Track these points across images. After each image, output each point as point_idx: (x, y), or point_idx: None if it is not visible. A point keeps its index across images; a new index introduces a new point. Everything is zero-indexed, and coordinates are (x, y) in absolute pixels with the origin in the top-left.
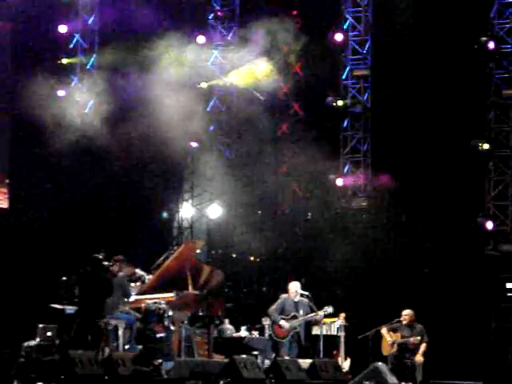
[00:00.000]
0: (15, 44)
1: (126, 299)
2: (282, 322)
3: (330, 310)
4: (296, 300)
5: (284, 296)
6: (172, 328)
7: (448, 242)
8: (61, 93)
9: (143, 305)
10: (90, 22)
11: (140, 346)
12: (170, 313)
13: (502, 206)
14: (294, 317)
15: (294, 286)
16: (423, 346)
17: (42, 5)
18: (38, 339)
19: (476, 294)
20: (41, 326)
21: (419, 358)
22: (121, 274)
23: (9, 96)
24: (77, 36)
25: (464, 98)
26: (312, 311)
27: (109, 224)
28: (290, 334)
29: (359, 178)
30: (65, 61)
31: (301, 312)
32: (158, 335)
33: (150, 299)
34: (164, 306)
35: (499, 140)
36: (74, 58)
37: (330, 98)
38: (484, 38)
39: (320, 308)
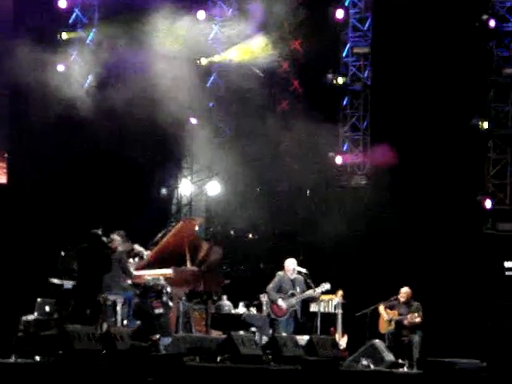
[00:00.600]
0: (16, 19)
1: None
2: (280, 302)
3: (327, 286)
4: (293, 277)
5: (280, 273)
6: (170, 304)
7: (447, 220)
8: (60, 67)
9: (142, 280)
10: None
11: (138, 322)
12: (169, 289)
13: (501, 184)
14: (292, 294)
15: (291, 263)
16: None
17: None
18: (36, 313)
19: (474, 272)
20: (39, 300)
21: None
22: (119, 249)
23: (8, 71)
24: (76, 10)
25: (464, 77)
26: (309, 288)
27: (108, 200)
28: (289, 312)
29: (358, 156)
30: (64, 35)
31: (298, 289)
32: (157, 311)
33: (149, 275)
34: (163, 282)
35: (499, 119)
36: (73, 33)
37: (329, 76)
38: (485, 16)
39: (317, 285)
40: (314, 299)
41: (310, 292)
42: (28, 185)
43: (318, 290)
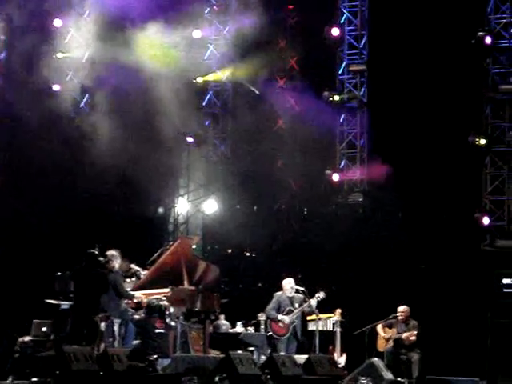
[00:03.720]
0: (11, 39)
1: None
2: (281, 317)
3: (321, 295)
4: (290, 296)
5: (278, 294)
6: (172, 324)
7: (444, 237)
8: (56, 87)
9: (144, 300)
10: (85, 15)
11: (135, 342)
12: (172, 309)
13: (498, 201)
14: (290, 311)
15: (288, 283)
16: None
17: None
18: (32, 334)
19: (472, 289)
20: (36, 321)
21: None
22: (116, 268)
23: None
24: (72, 30)
25: (461, 93)
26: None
27: (104, 219)
28: (290, 330)
29: (355, 173)
30: (60, 55)
31: (296, 306)
32: (158, 331)
33: (146, 295)
34: (166, 302)
35: (496, 135)
36: (68, 53)
37: (326, 93)
38: (481, 33)
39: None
40: (311, 311)
41: (306, 304)
42: (25, 206)
43: (314, 300)
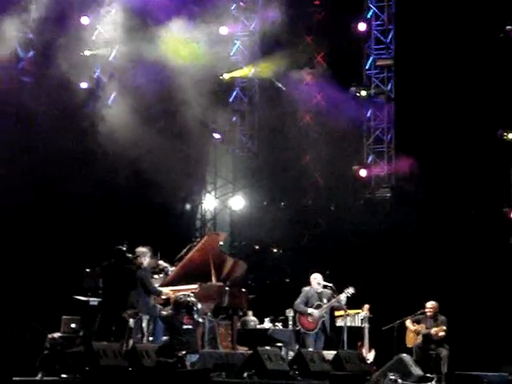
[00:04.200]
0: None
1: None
2: (311, 310)
3: (350, 290)
4: (319, 291)
5: (306, 289)
6: (200, 321)
7: (473, 232)
8: (83, 85)
9: (172, 296)
10: (112, 13)
11: (164, 338)
12: (199, 306)
13: None
14: (319, 306)
15: (316, 278)
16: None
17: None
18: (62, 331)
19: (501, 284)
20: (65, 317)
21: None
22: (145, 264)
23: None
24: (99, 27)
25: (490, 88)
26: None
27: (133, 216)
28: (319, 324)
29: (383, 169)
30: (87, 53)
31: (324, 301)
32: (186, 327)
33: (173, 291)
34: (193, 298)
35: None
36: (96, 50)
37: (353, 89)
38: (509, 27)
39: (341, 292)
40: (340, 306)
41: (335, 299)
42: (56, 200)
43: (343, 295)
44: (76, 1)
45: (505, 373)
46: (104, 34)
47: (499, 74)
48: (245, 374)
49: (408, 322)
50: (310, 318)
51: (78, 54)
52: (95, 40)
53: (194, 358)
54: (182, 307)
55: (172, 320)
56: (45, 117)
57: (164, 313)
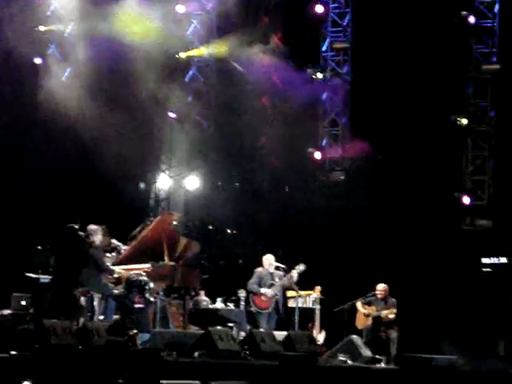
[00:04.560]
0: None
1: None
2: (264, 290)
3: (301, 267)
4: (271, 271)
5: (259, 270)
6: (152, 300)
7: (425, 216)
8: (37, 61)
9: (124, 275)
10: None
11: (115, 317)
12: (151, 285)
13: (479, 180)
14: (272, 285)
15: (268, 259)
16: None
17: None
18: (12, 308)
19: (452, 268)
20: (15, 294)
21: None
22: (97, 243)
23: None
24: (54, 3)
25: (443, 73)
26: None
27: (85, 193)
28: (272, 303)
29: (337, 152)
30: (42, 28)
31: (277, 280)
32: (137, 306)
33: (126, 270)
34: (145, 278)
35: (478, 115)
36: (51, 26)
37: (309, 70)
38: (464, 13)
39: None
40: (291, 284)
41: (286, 277)
42: (6, 178)
43: (294, 271)
44: None
45: (452, 355)
46: (59, 9)
47: (454, 60)
48: (196, 354)
49: (359, 304)
50: (263, 297)
51: (32, 29)
52: (50, 16)
53: (146, 337)
54: (133, 286)
55: (124, 299)
56: None
57: (116, 291)
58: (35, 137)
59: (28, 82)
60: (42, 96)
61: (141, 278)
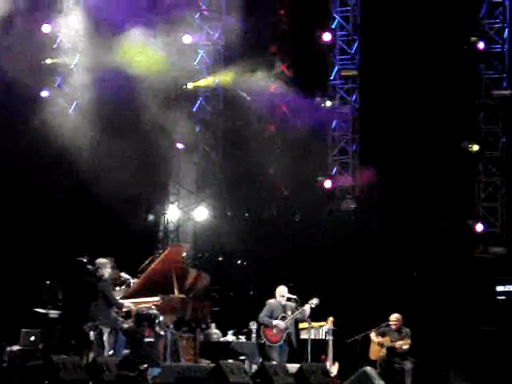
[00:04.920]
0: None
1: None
2: (276, 322)
3: (315, 301)
4: (283, 303)
5: (271, 301)
6: (162, 333)
7: (437, 244)
8: (44, 93)
9: (134, 309)
10: (73, 21)
11: (125, 351)
12: (162, 318)
13: (491, 207)
14: (283, 318)
15: (281, 291)
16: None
17: (24, 4)
18: (21, 344)
19: (465, 296)
20: (24, 330)
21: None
22: (106, 276)
23: None
24: (60, 36)
25: (454, 99)
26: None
27: (93, 227)
28: (283, 336)
29: (347, 180)
30: (48, 61)
31: (289, 313)
32: (147, 340)
33: (135, 303)
34: (156, 311)
35: (489, 141)
36: (57, 59)
37: (318, 99)
38: (474, 39)
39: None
40: (304, 318)
41: (299, 311)
42: (13, 213)
43: (307, 306)
44: (38, 9)
45: None
46: (65, 42)
47: (463, 86)
48: None
49: (372, 335)
50: (274, 330)
51: (38, 62)
52: (56, 48)
53: (156, 371)
54: (143, 320)
55: (133, 333)
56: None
57: (125, 325)
58: (42, 168)
59: (34, 114)
60: (49, 128)
61: (151, 311)
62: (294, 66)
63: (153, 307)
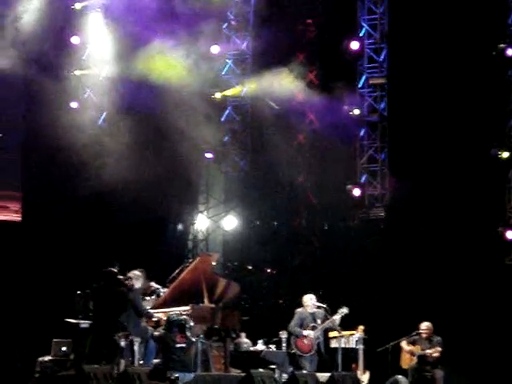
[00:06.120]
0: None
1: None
2: (307, 332)
3: (344, 310)
4: (312, 312)
5: (300, 310)
6: (193, 339)
7: (468, 252)
8: (73, 105)
9: (163, 319)
10: (101, 32)
11: (156, 361)
12: (192, 323)
13: None
14: (313, 327)
15: (309, 299)
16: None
17: (54, 16)
18: (52, 354)
19: (497, 305)
20: (55, 340)
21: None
22: (136, 287)
23: (21, 110)
24: (89, 48)
25: (483, 106)
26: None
27: (123, 237)
28: (315, 346)
29: (376, 188)
30: (78, 72)
31: (318, 322)
32: (179, 345)
33: (165, 313)
34: (185, 317)
35: None
36: (86, 70)
37: (346, 107)
38: (502, 45)
39: (335, 313)
40: (334, 327)
41: (329, 320)
42: (43, 223)
43: (337, 315)
44: (66, 21)
45: None
46: (94, 54)
47: (492, 93)
48: None
49: (403, 343)
50: (305, 340)
51: (68, 74)
52: (85, 60)
53: (188, 377)
54: (174, 325)
55: (165, 339)
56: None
57: (156, 333)
58: (73, 179)
59: (64, 126)
60: (79, 139)
61: (181, 317)
62: (322, 74)
63: (183, 313)
